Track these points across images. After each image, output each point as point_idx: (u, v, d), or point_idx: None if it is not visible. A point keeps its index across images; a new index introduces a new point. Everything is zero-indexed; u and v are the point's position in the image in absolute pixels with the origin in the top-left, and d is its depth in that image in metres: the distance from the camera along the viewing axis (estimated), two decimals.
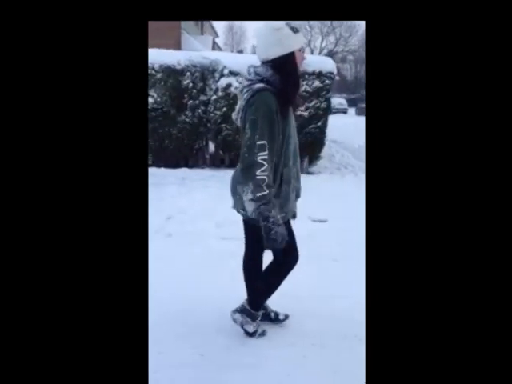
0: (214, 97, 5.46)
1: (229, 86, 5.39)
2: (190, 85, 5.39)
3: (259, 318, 2.04)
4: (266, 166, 1.61)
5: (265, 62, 1.69)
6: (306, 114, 5.50)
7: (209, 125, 5.59)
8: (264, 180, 1.61)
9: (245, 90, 1.71)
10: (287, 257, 1.93)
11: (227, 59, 5.36)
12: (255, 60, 1.79)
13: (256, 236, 1.81)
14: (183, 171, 5.69)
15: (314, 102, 5.45)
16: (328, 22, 41.02)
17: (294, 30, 1.65)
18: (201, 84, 5.37)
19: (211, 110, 5.51)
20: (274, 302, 2.38)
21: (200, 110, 5.51)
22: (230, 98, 5.43)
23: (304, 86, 5.41)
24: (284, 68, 1.66)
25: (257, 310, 2.02)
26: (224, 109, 5.47)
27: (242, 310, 2.04)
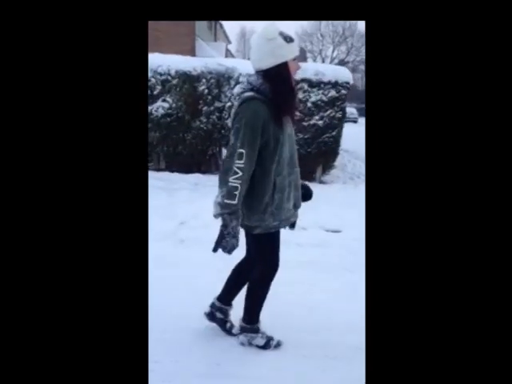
0: (229, 103, 5.47)
1: None
2: (206, 91, 5.41)
3: (260, 328, 2.04)
4: (241, 174, 1.62)
5: (258, 72, 1.70)
6: (320, 123, 5.49)
7: (223, 131, 5.60)
8: (237, 188, 1.63)
9: (237, 98, 1.74)
10: (274, 266, 1.94)
11: (243, 66, 5.38)
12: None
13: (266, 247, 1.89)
14: (196, 176, 5.70)
15: (328, 112, 5.44)
16: (340, 32, 41.13)
17: (287, 40, 1.65)
18: (216, 91, 5.40)
19: (226, 116, 5.53)
20: (286, 312, 2.35)
21: (214, 117, 5.53)
22: None
23: (319, 96, 5.41)
24: (276, 78, 1.66)
25: (254, 323, 2.04)
26: None
27: (242, 330, 2.06)
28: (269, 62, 1.65)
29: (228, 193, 1.63)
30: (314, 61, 39.36)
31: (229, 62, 5.45)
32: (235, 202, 1.64)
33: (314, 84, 5.37)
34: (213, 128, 5.57)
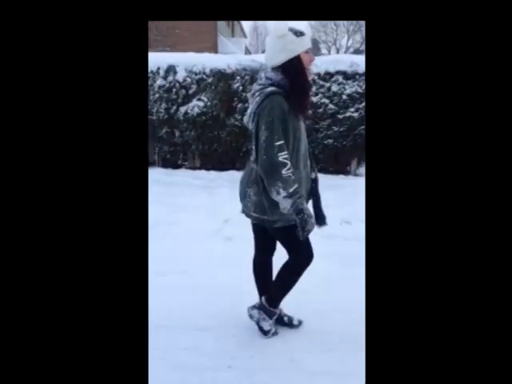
0: None
1: None
2: (240, 88, 5.42)
3: (275, 316, 2.09)
4: (289, 164, 1.69)
5: (275, 68, 1.77)
6: (355, 115, 5.44)
7: None
8: (290, 177, 1.69)
9: (257, 93, 1.78)
10: (302, 256, 1.97)
11: None
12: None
13: (265, 237, 2.02)
14: (231, 174, 5.73)
15: (364, 104, 5.39)
16: (354, 21, 40.40)
17: (298, 34, 1.72)
18: (250, 87, 5.40)
19: None
20: (337, 308, 2.36)
21: None
22: None
23: (354, 88, 5.36)
24: (291, 72, 1.73)
25: (274, 307, 2.07)
26: None
27: (259, 307, 2.09)
28: (282, 58, 1.72)
29: (286, 183, 1.68)
30: (329, 51, 38.84)
31: (262, 58, 5.43)
32: (296, 185, 1.71)
33: (349, 76, 5.32)
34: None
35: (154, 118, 5.52)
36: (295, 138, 1.77)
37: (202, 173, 5.70)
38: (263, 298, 2.09)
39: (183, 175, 5.59)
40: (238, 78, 5.39)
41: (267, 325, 2.09)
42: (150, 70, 5.36)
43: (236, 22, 20.10)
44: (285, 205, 1.73)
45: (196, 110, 5.45)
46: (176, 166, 5.90)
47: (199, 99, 5.43)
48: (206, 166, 5.88)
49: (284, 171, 1.67)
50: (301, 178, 1.83)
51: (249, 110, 1.83)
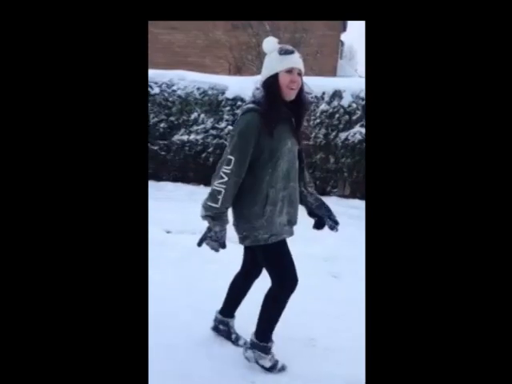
0: None
1: None
2: None
3: (271, 350, 1.96)
4: (226, 179, 1.69)
5: (259, 85, 1.82)
6: None
7: None
8: (220, 192, 1.69)
9: (240, 110, 1.84)
10: (285, 282, 1.86)
11: None
12: None
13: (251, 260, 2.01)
14: None
15: None
16: None
17: (281, 53, 1.72)
18: None
19: None
20: None
21: None
22: None
23: None
24: (265, 89, 1.75)
25: (267, 341, 1.95)
26: None
27: (252, 346, 1.99)
28: (263, 75, 1.77)
29: (211, 195, 1.71)
30: None
31: None
32: (217, 205, 1.70)
33: None
34: None
35: (311, 143, 5.39)
36: (272, 154, 1.74)
37: (356, 202, 5.41)
38: (252, 335, 1.99)
39: (335, 203, 5.35)
40: None
41: (267, 361, 1.95)
42: (314, 94, 5.27)
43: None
44: (200, 210, 1.76)
45: (358, 136, 5.22)
46: (323, 193, 5.69)
47: (362, 125, 5.20)
48: (356, 194, 5.60)
49: (217, 183, 1.70)
50: (277, 198, 1.78)
51: None
